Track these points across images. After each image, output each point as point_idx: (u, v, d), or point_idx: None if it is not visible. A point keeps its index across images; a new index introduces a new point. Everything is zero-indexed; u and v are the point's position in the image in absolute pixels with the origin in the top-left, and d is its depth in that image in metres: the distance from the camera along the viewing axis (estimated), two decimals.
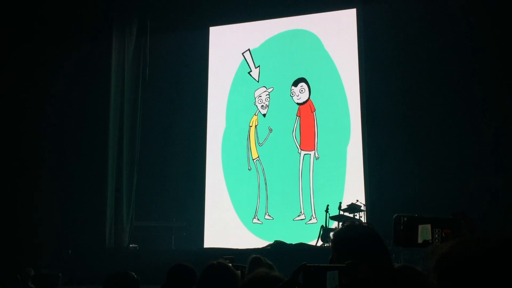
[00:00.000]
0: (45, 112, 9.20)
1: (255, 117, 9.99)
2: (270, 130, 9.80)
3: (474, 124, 8.00)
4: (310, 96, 9.68)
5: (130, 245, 9.24)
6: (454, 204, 7.62)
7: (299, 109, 9.72)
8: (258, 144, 9.82)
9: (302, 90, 9.73)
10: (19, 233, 8.40)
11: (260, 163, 9.76)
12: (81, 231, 8.58)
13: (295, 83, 9.80)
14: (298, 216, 9.26)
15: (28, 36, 9.22)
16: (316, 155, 9.38)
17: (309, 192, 9.30)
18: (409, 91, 8.69)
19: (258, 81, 10.08)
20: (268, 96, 9.96)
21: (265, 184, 9.65)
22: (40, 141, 9.10)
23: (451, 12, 8.47)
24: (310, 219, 9.17)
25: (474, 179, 7.70)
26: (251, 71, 10.17)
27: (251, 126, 9.99)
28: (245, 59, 10.24)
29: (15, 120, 9.13)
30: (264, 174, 9.70)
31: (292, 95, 9.79)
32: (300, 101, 9.74)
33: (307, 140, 9.53)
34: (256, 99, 10.04)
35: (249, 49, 10.28)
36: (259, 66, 10.13)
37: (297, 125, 9.64)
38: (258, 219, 9.55)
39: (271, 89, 9.96)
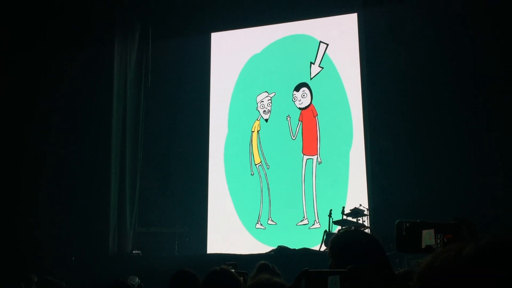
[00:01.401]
0: (47, 118, 9.24)
1: (257, 122, 10.00)
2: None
3: (478, 128, 7.99)
4: (312, 101, 9.69)
5: (134, 251, 9.24)
6: (457, 208, 7.60)
7: (301, 114, 9.73)
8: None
9: (304, 95, 9.74)
10: (22, 239, 8.41)
11: (263, 168, 9.76)
12: (84, 237, 8.59)
13: (297, 88, 9.81)
14: (301, 221, 9.24)
15: (30, 42, 9.27)
16: (319, 159, 9.38)
17: (312, 197, 9.29)
18: (411, 95, 8.69)
19: (311, 79, 9.78)
20: (270, 101, 9.97)
21: (268, 189, 9.65)
22: (42, 147, 9.13)
23: (452, 16, 8.47)
24: (313, 224, 9.15)
25: (478, 184, 7.68)
26: (314, 63, 9.78)
27: (253, 132, 10.00)
28: (317, 52, 9.83)
29: (17, 126, 9.17)
30: (266, 179, 9.69)
31: (294, 100, 9.80)
32: (302, 106, 9.75)
33: (309, 145, 9.53)
34: (258, 104, 10.05)
35: (327, 45, 9.81)
36: (322, 67, 9.83)
37: (299, 129, 9.65)
38: (261, 224, 9.54)
39: (273, 94, 9.97)
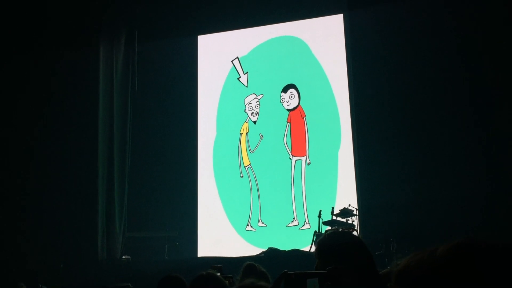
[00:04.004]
0: (33, 123, 9.14)
1: (245, 124, 10.01)
2: (261, 137, 9.81)
3: (466, 128, 8.05)
4: (300, 102, 9.72)
5: (123, 257, 9.17)
6: (446, 208, 7.66)
7: (289, 115, 9.75)
8: (250, 151, 9.83)
9: (291, 96, 9.77)
10: (9, 247, 8.31)
11: (252, 170, 9.76)
12: (73, 243, 8.51)
13: (285, 90, 9.83)
14: (291, 222, 9.25)
15: (16, 46, 9.17)
16: (308, 160, 9.40)
17: (302, 197, 9.30)
18: (398, 95, 8.74)
19: (247, 86, 10.09)
20: (258, 103, 9.98)
21: (258, 191, 9.65)
22: (28, 152, 9.03)
23: (438, 16, 8.55)
24: (303, 225, 9.17)
25: (467, 184, 7.73)
26: (240, 77, 10.20)
27: (242, 134, 10.00)
28: (234, 66, 10.27)
29: (0, 131, 9.05)
30: (256, 181, 9.69)
31: (282, 101, 9.82)
32: (290, 107, 9.77)
33: (298, 146, 9.55)
34: (246, 106, 10.06)
35: (237, 57, 10.32)
36: (247, 72, 10.16)
37: (287, 131, 9.67)
38: (252, 227, 9.53)
39: (261, 96, 9.98)
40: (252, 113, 10.00)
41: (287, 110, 9.78)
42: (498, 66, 7.91)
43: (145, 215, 9.90)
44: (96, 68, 9.38)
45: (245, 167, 9.83)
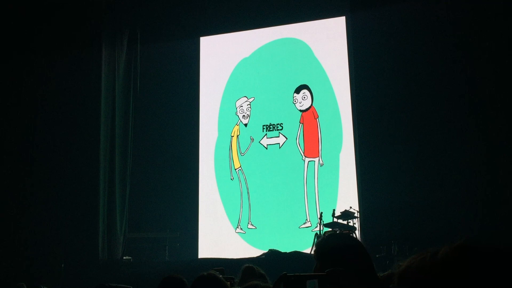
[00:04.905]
0: (35, 123, 9.16)
1: (236, 127, 10.02)
2: (252, 139, 9.81)
3: (467, 130, 8.04)
4: (313, 103, 9.68)
5: (124, 257, 9.17)
6: (447, 210, 7.65)
7: (302, 116, 9.72)
8: (240, 154, 9.83)
9: (304, 97, 9.74)
10: (10, 247, 8.32)
11: (243, 173, 9.77)
12: (74, 244, 8.51)
13: (297, 90, 9.80)
14: (304, 223, 9.22)
15: (17, 47, 9.19)
16: (321, 161, 9.35)
17: (315, 198, 9.23)
18: (400, 97, 8.74)
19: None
20: (249, 106, 9.99)
21: (248, 193, 9.65)
22: (30, 153, 9.04)
23: (439, 18, 8.55)
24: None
25: (467, 186, 7.72)
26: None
27: (232, 136, 10.02)
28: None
29: (1, 132, 9.06)
30: (246, 183, 9.70)
31: (294, 102, 9.79)
32: (303, 108, 9.74)
33: (311, 147, 9.51)
34: (238, 109, 10.07)
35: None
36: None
37: (300, 132, 9.64)
38: (241, 229, 9.55)
39: (252, 99, 10.00)
40: (243, 115, 10.00)
41: (300, 111, 9.75)
42: (499, 67, 7.91)
43: (146, 216, 9.90)
44: (98, 69, 9.40)
45: (235, 169, 9.84)
